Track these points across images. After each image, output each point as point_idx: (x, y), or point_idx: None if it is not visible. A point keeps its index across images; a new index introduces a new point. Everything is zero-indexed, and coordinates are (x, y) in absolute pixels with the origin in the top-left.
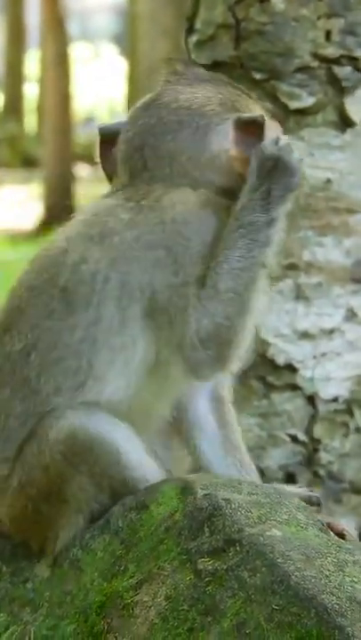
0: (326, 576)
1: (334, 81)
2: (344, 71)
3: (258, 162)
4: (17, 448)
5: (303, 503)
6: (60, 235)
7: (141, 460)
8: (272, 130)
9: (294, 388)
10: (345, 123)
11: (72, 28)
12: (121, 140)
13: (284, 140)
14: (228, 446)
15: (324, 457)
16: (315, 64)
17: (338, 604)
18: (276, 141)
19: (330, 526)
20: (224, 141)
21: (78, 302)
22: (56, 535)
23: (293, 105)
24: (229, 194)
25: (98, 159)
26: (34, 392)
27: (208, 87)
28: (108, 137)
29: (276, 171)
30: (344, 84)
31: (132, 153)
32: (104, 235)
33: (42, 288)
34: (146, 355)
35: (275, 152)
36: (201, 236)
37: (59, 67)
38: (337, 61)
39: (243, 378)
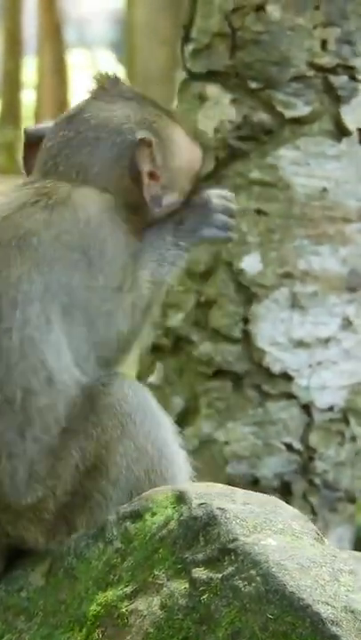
0: (321, 585)
1: (330, 90)
2: (340, 80)
3: (193, 201)
4: (46, 455)
5: (298, 512)
6: None
7: (174, 439)
8: (188, 150)
9: (290, 396)
10: (341, 132)
11: (69, 35)
12: (41, 149)
13: (229, 196)
14: None
15: (319, 466)
16: (311, 73)
17: (333, 614)
18: (222, 195)
19: None
20: (132, 159)
21: (5, 306)
22: (90, 513)
23: (289, 114)
24: (132, 208)
25: (21, 161)
26: (8, 401)
27: (130, 105)
28: (34, 140)
29: (196, 209)
30: (340, 93)
31: (47, 160)
32: (22, 237)
33: None
34: (68, 350)
35: (205, 197)
36: (115, 238)
37: (56, 74)
38: (333, 70)
39: (238, 386)
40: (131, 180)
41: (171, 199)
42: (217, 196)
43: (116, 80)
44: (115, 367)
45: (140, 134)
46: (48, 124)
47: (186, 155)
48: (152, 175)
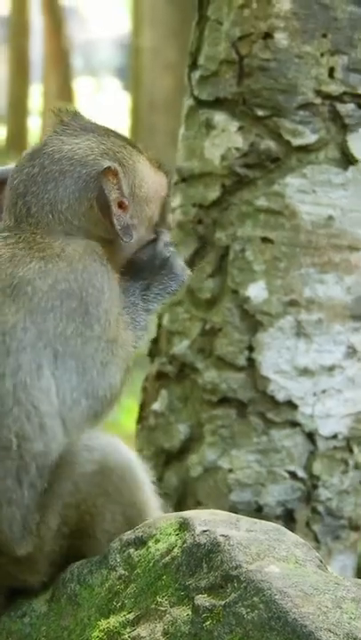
0: (324, 613)
1: (337, 118)
2: (347, 108)
3: (148, 256)
4: (36, 507)
5: (301, 540)
6: None
7: (152, 490)
8: (153, 178)
9: (294, 424)
10: (347, 160)
11: (75, 61)
12: (7, 188)
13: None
14: None
15: (322, 493)
16: (318, 101)
17: None
18: (169, 244)
19: None
20: (99, 189)
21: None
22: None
23: (296, 142)
24: (106, 242)
25: None
26: (5, 447)
27: (92, 138)
28: None
29: (161, 270)
30: (347, 121)
31: (16, 200)
32: (15, 286)
33: None
34: (56, 397)
35: (165, 253)
36: (110, 289)
37: (62, 100)
38: (340, 98)
39: (243, 414)
40: (100, 212)
41: (140, 229)
42: (166, 244)
43: (76, 114)
44: (98, 422)
45: (106, 164)
46: (9, 165)
47: (152, 182)
48: (120, 205)
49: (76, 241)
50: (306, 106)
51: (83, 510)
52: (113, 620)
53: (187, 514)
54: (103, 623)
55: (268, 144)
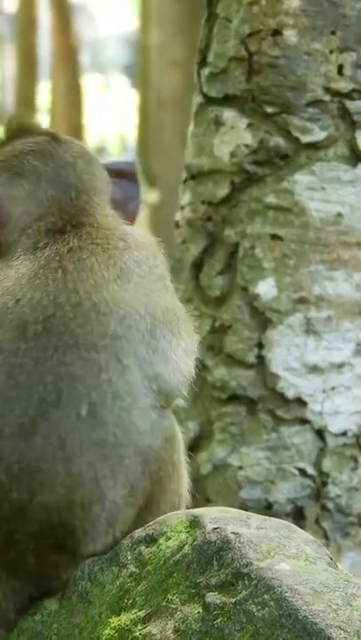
0: (334, 610)
1: (346, 115)
2: (356, 105)
3: None
4: (124, 505)
5: (311, 537)
6: (43, 287)
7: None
8: None
9: (303, 421)
10: (356, 157)
11: (83, 58)
12: (46, 177)
13: None
14: None
15: (332, 490)
16: (327, 98)
17: (345, 638)
18: None
19: None
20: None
21: (124, 345)
22: None
23: (305, 139)
24: None
25: None
26: (116, 447)
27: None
28: None
29: None
30: (356, 118)
31: (78, 176)
32: (122, 275)
33: (86, 345)
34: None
35: None
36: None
37: (70, 97)
38: (349, 95)
39: (252, 411)
40: (118, 204)
41: None
42: None
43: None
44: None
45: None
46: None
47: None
48: None
49: (130, 228)
50: (315, 103)
51: (154, 480)
52: (124, 618)
53: (197, 511)
54: (114, 621)
55: (277, 141)
